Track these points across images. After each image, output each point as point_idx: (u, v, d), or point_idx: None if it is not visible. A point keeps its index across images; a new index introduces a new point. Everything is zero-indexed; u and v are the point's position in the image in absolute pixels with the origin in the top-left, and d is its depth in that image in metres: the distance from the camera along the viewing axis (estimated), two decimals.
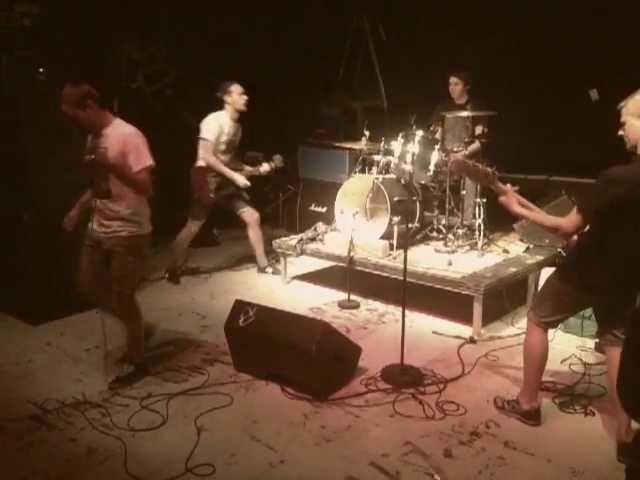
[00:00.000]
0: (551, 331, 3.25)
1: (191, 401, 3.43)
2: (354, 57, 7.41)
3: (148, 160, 3.42)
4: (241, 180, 5.26)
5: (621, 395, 1.98)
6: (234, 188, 5.34)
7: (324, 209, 6.23)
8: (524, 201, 2.92)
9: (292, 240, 5.35)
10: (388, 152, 5.21)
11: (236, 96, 5.17)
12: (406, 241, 3.88)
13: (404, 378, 3.63)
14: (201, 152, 5.15)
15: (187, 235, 5.37)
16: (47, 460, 2.91)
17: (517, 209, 2.88)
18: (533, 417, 3.16)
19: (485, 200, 4.94)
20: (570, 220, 2.74)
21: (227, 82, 5.23)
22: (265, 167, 5.46)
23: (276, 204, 6.96)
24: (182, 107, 6.92)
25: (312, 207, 6.47)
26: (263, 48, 7.34)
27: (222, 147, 5.23)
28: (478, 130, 5.41)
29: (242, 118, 5.41)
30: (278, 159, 5.53)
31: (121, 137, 3.40)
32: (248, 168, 5.44)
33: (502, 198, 2.92)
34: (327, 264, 5.49)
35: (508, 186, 2.95)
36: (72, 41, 6.06)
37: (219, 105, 5.26)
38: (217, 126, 5.13)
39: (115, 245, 3.50)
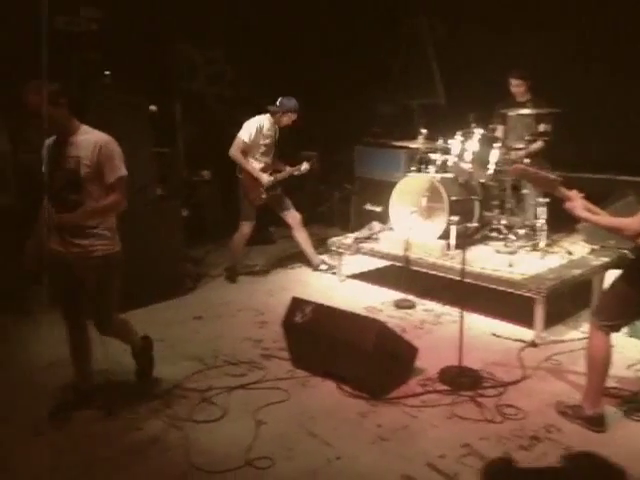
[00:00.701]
0: (616, 335, 3.14)
1: (249, 395, 3.50)
2: (412, 55, 7.36)
3: (122, 170, 3.13)
4: (265, 179, 5.33)
5: None
6: (282, 189, 5.42)
7: (379, 208, 6.21)
8: (590, 206, 2.84)
9: (347, 239, 5.36)
10: (446, 150, 5.15)
11: (286, 119, 5.33)
12: (464, 240, 3.82)
13: (462, 380, 3.58)
14: (232, 148, 5.30)
15: (240, 237, 5.47)
16: (113, 448, 3.02)
17: (584, 214, 2.82)
18: (597, 423, 3.07)
19: (548, 200, 4.81)
20: (636, 220, 2.66)
21: (292, 104, 5.32)
22: (305, 166, 5.52)
23: (330, 203, 6.99)
24: (238, 108, 7.05)
25: (367, 206, 6.46)
26: (322, 48, 7.39)
27: (262, 149, 5.35)
28: (541, 128, 5.27)
29: (299, 118, 5.49)
30: (314, 160, 5.60)
31: (95, 145, 3.09)
32: (287, 168, 5.49)
33: (568, 204, 2.85)
34: (382, 263, 5.48)
35: (574, 192, 2.87)
36: (135, 44, 6.29)
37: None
38: (257, 128, 5.27)
39: (90, 267, 3.14)
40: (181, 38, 7.15)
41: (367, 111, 7.23)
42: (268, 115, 5.34)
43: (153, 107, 5.16)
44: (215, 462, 2.89)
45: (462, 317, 3.69)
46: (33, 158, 5.34)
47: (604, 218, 2.82)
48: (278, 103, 5.31)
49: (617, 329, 3.05)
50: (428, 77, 7.27)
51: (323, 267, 5.62)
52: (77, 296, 3.27)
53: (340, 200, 7.06)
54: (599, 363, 3.01)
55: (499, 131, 5.44)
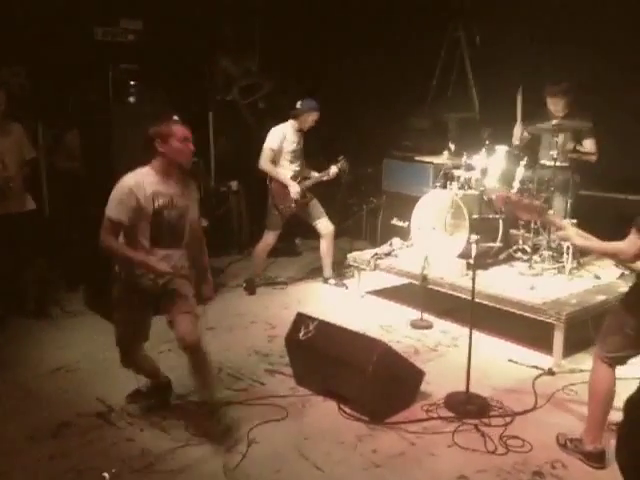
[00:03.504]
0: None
1: (247, 411, 3.44)
2: (448, 68, 7.23)
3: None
4: (294, 190, 5.29)
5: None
6: (311, 196, 5.37)
7: (405, 223, 6.08)
8: (583, 234, 2.70)
9: (367, 254, 5.26)
10: (470, 167, 5.00)
11: (310, 119, 5.30)
12: (477, 260, 3.67)
13: (468, 407, 3.43)
14: (261, 160, 5.29)
15: (264, 246, 5.44)
16: (104, 458, 3.02)
17: (579, 241, 2.69)
18: (596, 459, 2.89)
19: (575, 220, 4.59)
20: (631, 245, 2.49)
21: (312, 103, 5.31)
22: (333, 170, 5.45)
23: (359, 216, 6.91)
24: (271, 120, 7.08)
25: (393, 221, 6.33)
26: (358, 61, 7.34)
27: (289, 157, 5.33)
28: (587, 145, 5.00)
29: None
30: (343, 161, 5.49)
31: None
32: (315, 174, 5.44)
33: (560, 233, 2.73)
34: (405, 280, 5.35)
35: (566, 221, 2.74)
36: (171, 55, 6.40)
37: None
38: (281, 135, 5.26)
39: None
40: (217, 50, 7.24)
41: (399, 124, 7.13)
42: (290, 121, 5.33)
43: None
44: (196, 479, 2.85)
45: (471, 341, 3.53)
46: (72, 166, 5.54)
47: (598, 244, 2.67)
48: (299, 105, 5.30)
49: (622, 362, 2.86)
50: (464, 91, 7.13)
51: (332, 282, 5.56)
52: None
53: (369, 214, 6.97)
54: (601, 397, 2.84)
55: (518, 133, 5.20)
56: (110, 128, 4.77)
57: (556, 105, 5.00)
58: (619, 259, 2.60)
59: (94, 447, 3.11)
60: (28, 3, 5.74)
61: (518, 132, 5.18)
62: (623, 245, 2.54)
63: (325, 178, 5.46)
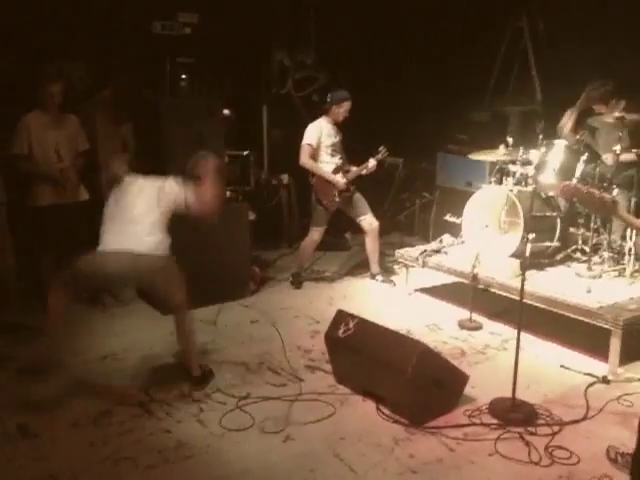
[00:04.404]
0: None
1: (284, 407, 3.41)
2: (510, 59, 6.96)
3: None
4: (340, 182, 5.23)
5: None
6: (355, 189, 5.31)
7: (459, 220, 5.89)
8: None
9: (415, 251, 5.13)
10: (526, 162, 4.78)
11: (342, 110, 5.22)
12: (526, 260, 3.49)
13: (514, 414, 3.27)
14: (301, 156, 5.26)
15: (310, 243, 5.40)
16: (140, 448, 3.06)
17: None
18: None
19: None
20: None
21: (342, 94, 5.26)
22: (372, 162, 5.33)
23: (411, 211, 6.76)
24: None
25: (447, 217, 6.15)
26: (414, 53, 7.18)
27: (329, 151, 5.27)
28: None
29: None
30: (382, 151, 5.37)
31: None
32: (354, 168, 5.35)
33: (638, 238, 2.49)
34: (455, 278, 5.18)
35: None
36: (227, 48, 6.43)
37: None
38: (318, 131, 5.22)
39: None
40: (272, 43, 7.23)
41: (456, 117, 6.92)
42: (324, 116, 5.29)
43: (227, 111, 5.22)
44: (232, 475, 2.83)
45: (518, 343, 3.37)
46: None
47: None
48: (329, 98, 5.26)
49: None
50: (527, 83, 6.84)
51: (379, 278, 5.45)
52: None
53: (421, 209, 6.81)
54: None
55: (588, 140, 4.93)
56: (162, 121, 4.82)
57: (601, 109, 4.75)
58: None
59: (132, 436, 3.15)
60: None
61: (566, 118, 4.91)
62: None
63: (364, 172, 5.36)
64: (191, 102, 4.94)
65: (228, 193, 5.12)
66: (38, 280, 4.67)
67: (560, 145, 4.45)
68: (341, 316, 3.62)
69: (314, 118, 5.48)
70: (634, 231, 4.28)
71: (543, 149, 4.63)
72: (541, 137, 4.32)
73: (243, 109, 6.89)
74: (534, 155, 4.67)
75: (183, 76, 4.99)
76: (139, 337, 4.39)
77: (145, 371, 3.87)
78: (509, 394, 3.36)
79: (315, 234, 5.37)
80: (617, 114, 4.39)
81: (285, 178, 6.72)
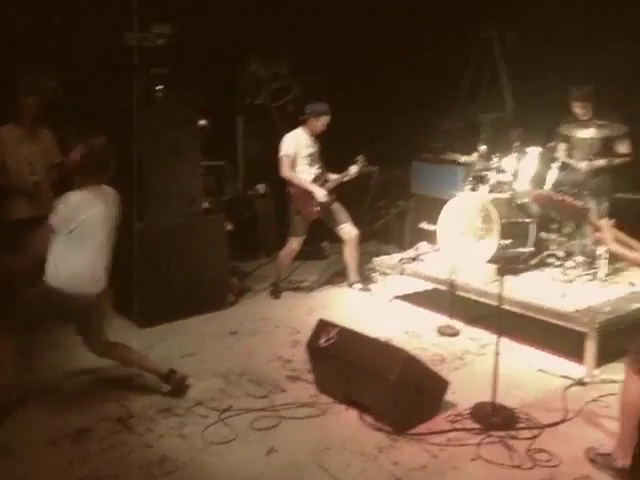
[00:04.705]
0: None
1: (267, 419, 3.40)
2: (481, 69, 7.09)
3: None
4: (320, 194, 5.24)
5: None
6: (334, 198, 5.33)
7: (434, 227, 5.96)
8: (622, 236, 2.55)
9: (393, 259, 5.17)
10: (501, 169, 4.86)
11: (319, 124, 5.25)
12: (504, 266, 3.55)
13: (494, 419, 3.31)
14: (281, 169, 5.27)
15: (289, 253, 5.41)
16: (122, 464, 3.01)
17: (612, 246, 2.54)
18: (628, 475, 2.75)
19: (614, 221, 4.41)
20: None
21: (321, 107, 5.28)
22: (353, 169, 5.38)
23: (387, 220, 6.81)
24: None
25: (422, 224, 6.22)
26: (386, 63, 7.25)
27: (307, 161, 5.30)
28: (622, 148, 4.84)
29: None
30: (361, 159, 5.42)
31: None
32: (333, 176, 5.38)
33: (597, 234, 2.59)
34: (432, 285, 5.23)
35: (603, 221, 2.60)
36: (202, 59, 6.42)
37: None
38: (295, 141, 5.24)
39: None
40: (247, 53, 7.24)
41: (430, 126, 7.01)
42: (301, 127, 5.31)
43: (203, 122, 5.21)
44: None
45: (497, 348, 3.41)
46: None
47: (633, 254, 2.52)
48: (307, 110, 5.27)
49: None
50: (498, 91, 6.97)
51: (357, 286, 5.47)
52: None
53: (396, 217, 6.87)
54: (633, 410, 2.72)
55: (560, 150, 5.07)
56: (139, 133, 4.78)
57: (582, 109, 4.91)
58: None
59: (113, 453, 3.10)
60: (60, 9, 5.82)
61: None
62: None
63: (345, 179, 5.39)
64: (168, 112, 4.92)
65: (206, 204, 5.11)
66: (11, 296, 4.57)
67: (534, 153, 4.53)
68: (323, 325, 3.62)
69: (290, 128, 5.51)
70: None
71: (516, 156, 4.72)
72: (517, 144, 4.39)
73: (218, 120, 6.89)
74: (508, 162, 4.76)
75: (159, 87, 4.94)
76: None
77: (123, 386, 3.81)
78: (489, 399, 3.40)
79: (294, 244, 5.37)
80: (591, 129, 4.53)
81: (262, 188, 6.72)
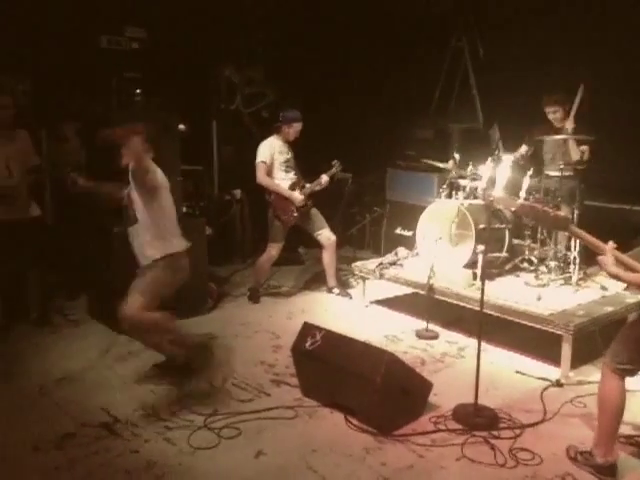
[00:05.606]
0: None
1: (253, 422, 3.40)
2: (451, 79, 7.25)
3: None
4: (298, 199, 5.30)
5: None
6: (312, 203, 5.39)
7: (410, 233, 6.07)
8: (623, 258, 2.61)
9: (372, 264, 5.24)
10: (476, 177, 4.99)
11: (292, 131, 5.32)
12: (484, 271, 3.65)
13: (477, 419, 3.39)
14: (257, 175, 5.31)
15: (268, 259, 5.43)
16: (108, 470, 2.98)
17: (613, 270, 2.58)
18: (607, 472, 2.86)
19: (616, 245, 4.55)
20: None
21: (293, 114, 5.35)
22: (324, 178, 5.45)
23: (362, 226, 6.89)
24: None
25: (398, 230, 6.33)
26: (358, 71, 7.35)
27: (283, 167, 5.36)
28: (575, 156, 5.03)
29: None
30: (336, 165, 5.51)
31: None
32: (308, 185, 5.44)
33: (599, 258, 2.63)
34: (409, 290, 5.32)
35: (610, 244, 2.63)
36: (176, 64, 6.39)
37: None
38: (270, 148, 5.31)
39: None
40: (221, 58, 7.24)
41: (402, 134, 7.13)
42: (275, 135, 5.38)
43: (182, 126, 5.19)
44: None
45: (479, 352, 3.50)
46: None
47: (631, 275, 2.59)
48: (280, 117, 5.34)
49: (633, 374, 2.84)
50: (468, 101, 7.13)
51: (335, 291, 5.53)
52: None
53: (372, 223, 6.96)
54: (611, 409, 2.81)
55: (522, 151, 5.24)
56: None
57: (555, 114, 5.11)
58: None
59: (99, 459, 3.06)
60: (33, 11, 5.74)
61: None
62: None
63: (317, 188, 5.45)
64: (146, 117, 4.88)
65: (184, 209, 5.09)
66: None
67: (508, 160, 4.66)
68: (308, 328, 3.65)
69: (264, 134, 5.54)
70: (578, 241, 4.54)
71: (491, 164, 4.84)
72: (498, 151, 4.52)
73: (192, 125, 6.86)
74: (483, 170, 4.88)
75: (138, 90, 4.91)
76: (94, 357, 4.27)
77: (105, 391, 3.77)
78: (470, 400, 3.48)
79: (273, 250, 5.39)
80: (562, 135, 4.68)
81: (238, 193, 6.72)
